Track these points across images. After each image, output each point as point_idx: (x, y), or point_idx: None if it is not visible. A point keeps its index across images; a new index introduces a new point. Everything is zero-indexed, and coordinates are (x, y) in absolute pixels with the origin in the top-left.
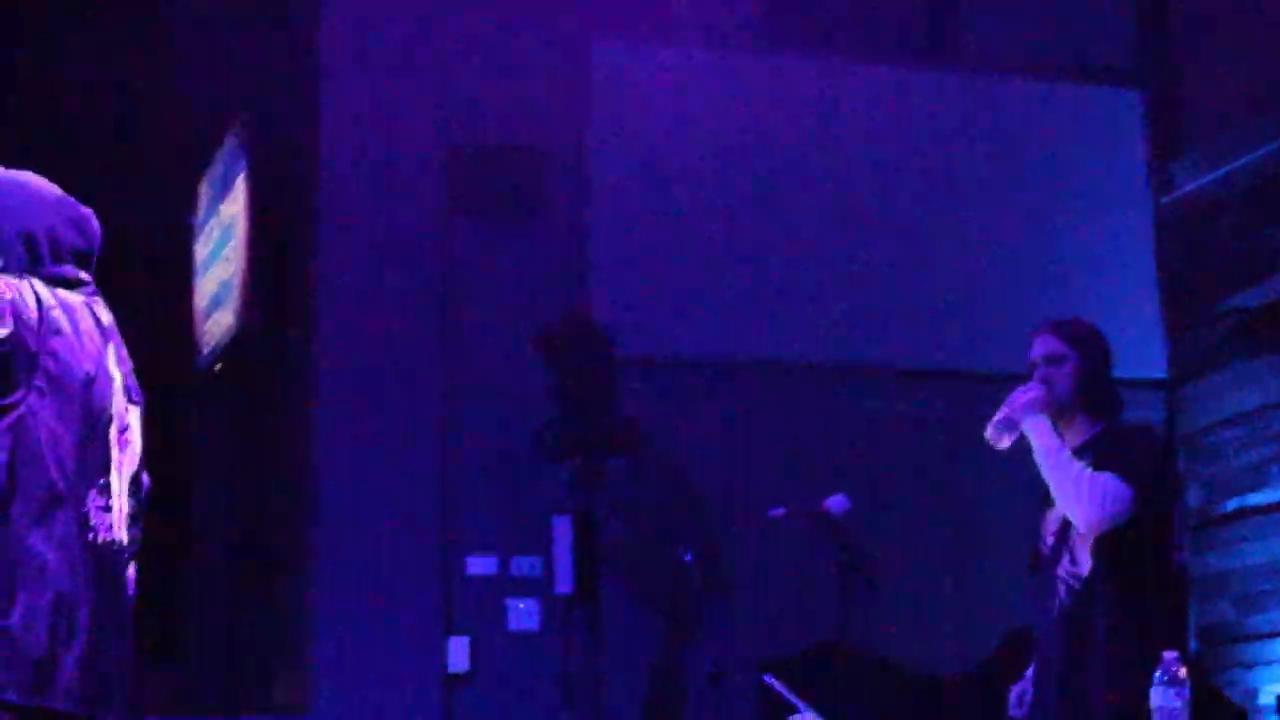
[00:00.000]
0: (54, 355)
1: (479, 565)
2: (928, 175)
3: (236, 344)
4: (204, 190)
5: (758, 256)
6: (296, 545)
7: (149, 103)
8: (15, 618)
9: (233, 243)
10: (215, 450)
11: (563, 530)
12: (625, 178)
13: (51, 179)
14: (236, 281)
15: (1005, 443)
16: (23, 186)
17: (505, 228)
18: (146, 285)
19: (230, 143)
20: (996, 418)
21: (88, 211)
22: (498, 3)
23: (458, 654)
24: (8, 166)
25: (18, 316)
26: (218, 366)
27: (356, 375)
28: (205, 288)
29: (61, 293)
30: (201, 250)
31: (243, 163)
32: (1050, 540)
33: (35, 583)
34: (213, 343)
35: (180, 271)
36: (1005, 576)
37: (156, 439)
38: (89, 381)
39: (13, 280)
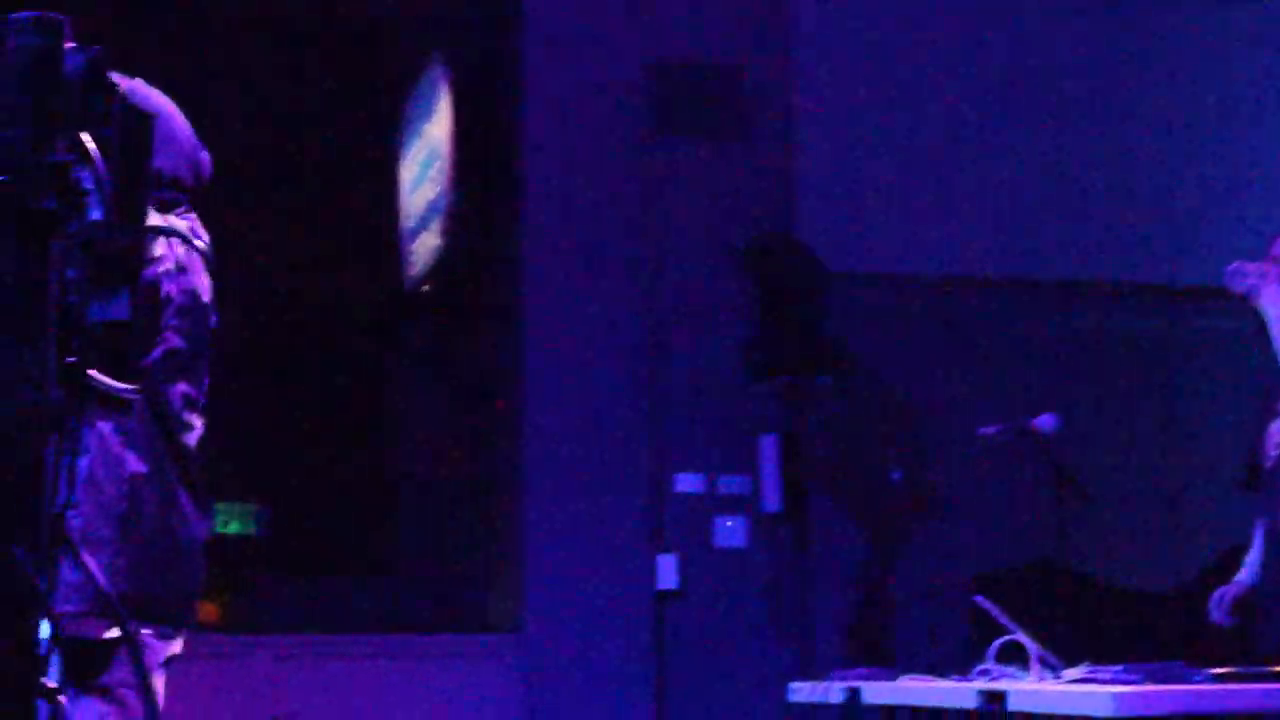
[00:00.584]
0: (184, 291)
1: (687, 483)
2: (1140, 91)
3: (443, 264)
4: (408, 112)
5: (967, 172)
6: (506, 464)
7: (354, 26)
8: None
9: (438, 164)
10: (423, 368)
11: (769, 449)
12: (829, 92)
13: (260, 100)
14: (443, 203)
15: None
16: (165, 121)
17: (709, 145)
18: (355, 205)
19: (433, 65)
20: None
21: (208, 157)
22: None
23: (666, 571)
24: (221, 79)
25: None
26: (425, 286)
27: (562, 295)
28: (412, 208)
29: (169, 218)
30: (407, 172)
31: (446, 85)
32: (1275, 452)
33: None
34: (420, 263)
35: (387, 192)
36: (1218, 492)
37: (365, 358)
38: (206, 308)
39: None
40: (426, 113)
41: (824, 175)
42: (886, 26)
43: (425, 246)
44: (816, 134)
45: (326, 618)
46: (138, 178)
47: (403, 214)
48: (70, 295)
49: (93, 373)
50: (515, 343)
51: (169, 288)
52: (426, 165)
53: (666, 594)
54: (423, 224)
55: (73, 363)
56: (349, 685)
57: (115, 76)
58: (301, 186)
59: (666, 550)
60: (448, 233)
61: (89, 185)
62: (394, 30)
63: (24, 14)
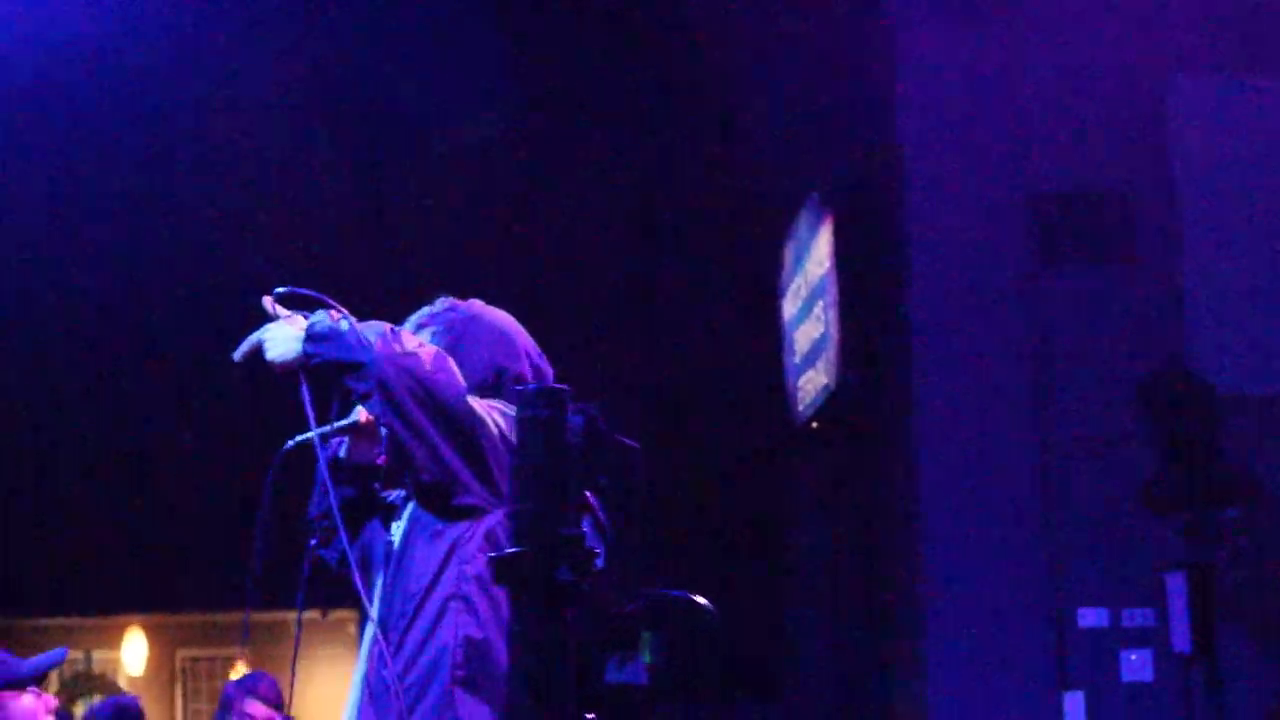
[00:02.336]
0: None
1: (1090, 617)
2: None
3: (832, 401)
4: (788, 251)
5: None
6: (905, 599)
7: (732, 171)
8: None
9: (821, 302)
10: (815, 504)
11: (1177, 586)
12: (1214, 214)
13: (646, 251)
14: (829, 341)
15: None
16: (506, 332)
17: (1095, 272)
18: (738, 343)
19: (812, 203)
20: None
21: (549, 369)
22: (1071, 44)
23: (1074, 708)
24: (610, 225)
25: (501, 431)
26: (814, 423)
27: (954, 427)
28: (796, 345)
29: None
30: (789, 308)
31: (826, 223)
32: None
33: None
34: (807, 399)
35: (770, 330)
36: None
37: (758, 491)
38: None
39: (483, 401)
40: (806, 251)
41: (1215, 295)
42: (1272, 134)
43: (811, 383)
44: (1204, 254)
45: None
46: (635, 529)
47: (786, 350)
48: (587, 657)
49: None
50: (909, 476)
51: None
52: (808, 303)
53: None
54: (808, 361)
55: None
56: None
57: (454, 301)
58: (686, 331)
59: (1071, 687)
60: (835, 370)
61: (595, 545)
62: (774, 169)
63: (531, 387)
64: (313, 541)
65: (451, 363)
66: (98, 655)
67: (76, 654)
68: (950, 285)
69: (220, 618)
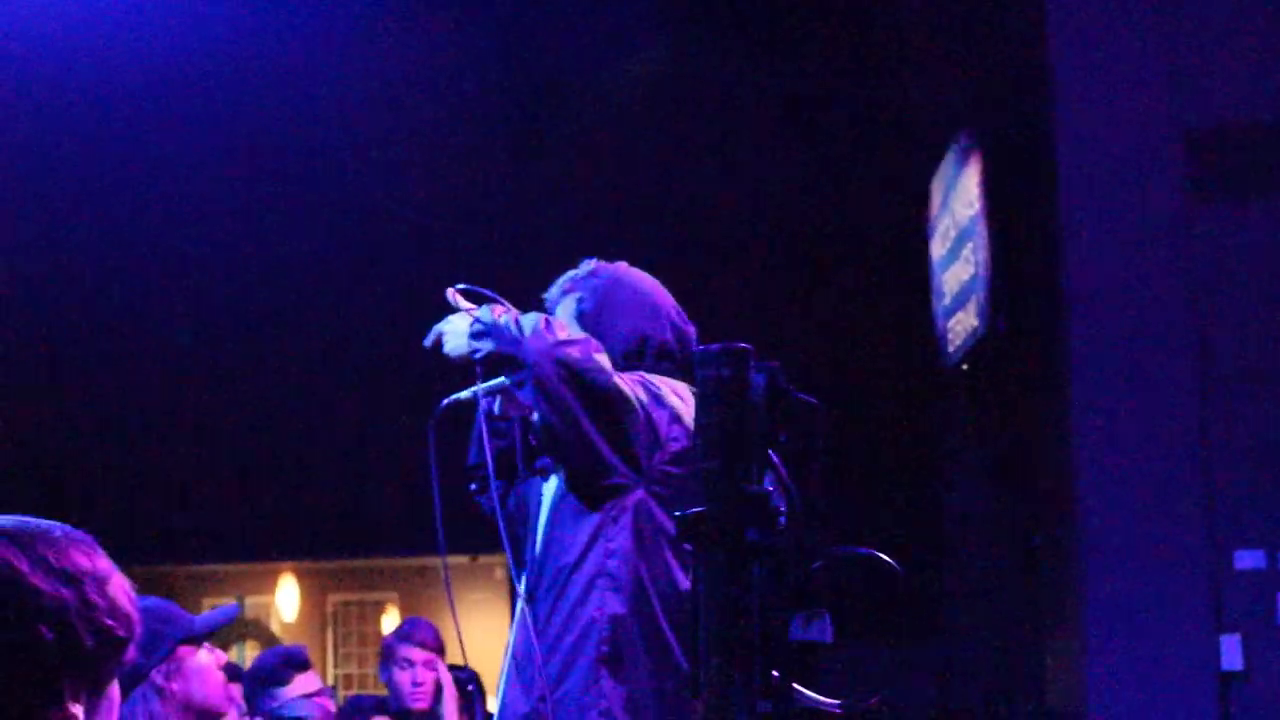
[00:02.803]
0: (676, 440)
1: (1248, 559)
2: None
3: (982, 344)
4: (936, 189)
5: None
6: (1059, 543)
7: (881, 106)
8: None
9: (970, 243)
10: (965, 446)
11: None
12: None
13: (788, 185)
14: (979, 283)
15: None
16: (651, 297)
17: (1250, 208)
18: (885, 284)
19: (961, 142)
20: None
21: (691, 329)
22: None
23: (1230, 652)
24: (762, 171)
25: (641, 403)
26: (964, 365)
27: (1108, 368)
28: (945, 287)
29: (667, 379)
30: (938, 249)
31: (975, 162)
32: None
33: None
34: (957, 341)
35: (917, 270)
36: None
37: (902, 431)
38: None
39: (624, 376)
40: (954, 190)
41: None
42: None
43: (961, 325)
44: None
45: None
46: (820, 489)
47: (934, 292)
48: (771, 616)
49: (797, 688)
50: (1062, 418)
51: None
52: (957, 244)
53: (1231, 675)
54: (957, 303)
55: (777, 679)
56: None
57: (599, 264)
58: (834, 275)
59: (1228, 629)
60: (985, 314)
61: (779, 504)
62: (923, 109)
63: (713, 347)
64: (472, 487)
65: (601, 354)
66: (251, 601)
67: (229, 599)
68: (1103, 223)
69: (371, 563)
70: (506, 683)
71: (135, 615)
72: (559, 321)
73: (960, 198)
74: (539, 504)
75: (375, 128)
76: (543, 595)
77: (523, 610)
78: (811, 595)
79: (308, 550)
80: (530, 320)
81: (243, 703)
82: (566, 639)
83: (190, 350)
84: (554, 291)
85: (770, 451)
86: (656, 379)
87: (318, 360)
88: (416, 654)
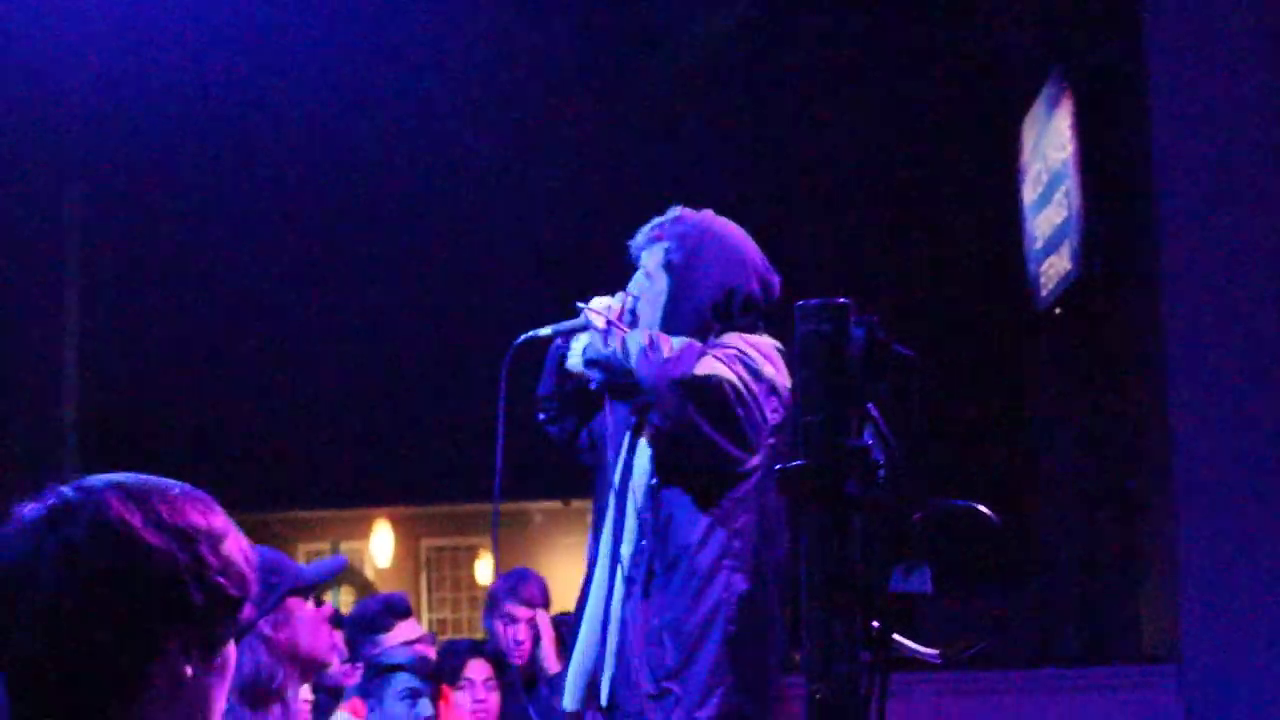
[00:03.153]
0: (775, 412)
1: None
2: None
3: (1076, 287)
4: (1027, 134)
5: None
6: (1155, 488)
7: (970, 51)
8: None
9: (1064, 187)
10: (1059, 391)
11: None
12: None
13: (878, 131)
14: (1071, 226)
15: None
16: (738, 248)
17: None
18: (976, 229)
19: (1053, 87)
20: None
21: (777, 278)
22: None
23: None
24: (852, 118)
25: (746, 385)
26: (1057, 309)
27: (1203, 309)
28: (1037, 231)
29: (755, 340)
30: (1029, 194)
31: (1066, 104)
32: None
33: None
34: (1050, 285)
35: (1009, 215)
36: None
37: (994, 375)
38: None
39: (720, 355)
40: (1046, 135)
41: None
42: None
43: (1054, 269)
44: None
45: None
46: (918, 442)
47: (1026, 235)
48: (871, 568)
49: (897, 638)
50: (1158, 358)
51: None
52: (1049, 188)
53: None
54: (1049, 247)
55: (878, 629)
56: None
57: (686, 212)
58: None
59: None
60: (1079, 258)
61: (879, 456)
62: (1012, 50)
63: (812, 301)
64: (540, 416)
65: (704, 355)
66: (345, 547)
67: (324, 545)
68: (1198, 164)
69: (464, 508)
70: (613, 661)
71: (250, 575)
72: (661, 336)
73: (1052, 141)
74: (620, 429)
75: (466, 76)
76: (660, 572)
77: (634, 589)
78: (911, 546)
79: (402, 496)
80: (635, 343)
81: (344, 649)
82: (692, 620)
83: (288, 300)
84: (640, 238)
85: (869, 404)
86: (748, 343)
87: (414, 307)
88: (521, 611)
